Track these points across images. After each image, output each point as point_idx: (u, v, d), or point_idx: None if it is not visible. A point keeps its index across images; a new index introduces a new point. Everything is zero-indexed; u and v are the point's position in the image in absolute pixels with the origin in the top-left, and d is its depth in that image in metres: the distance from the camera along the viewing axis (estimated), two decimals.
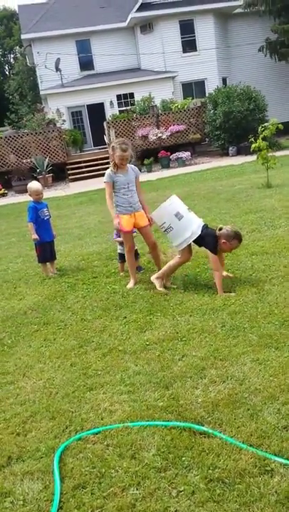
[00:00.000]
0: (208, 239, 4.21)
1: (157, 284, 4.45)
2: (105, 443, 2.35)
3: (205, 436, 2.28)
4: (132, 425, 2.44)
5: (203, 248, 4.33)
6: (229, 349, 3.13)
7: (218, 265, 4.20)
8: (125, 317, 3.97)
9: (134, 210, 4.68)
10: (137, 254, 5.13)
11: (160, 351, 3.25)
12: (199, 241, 4.28)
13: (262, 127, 9.61)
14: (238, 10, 23.72)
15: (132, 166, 4.78)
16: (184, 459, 2.15)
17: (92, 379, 3.01)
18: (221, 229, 4.22)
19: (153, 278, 4.52)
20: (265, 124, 9.83)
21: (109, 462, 2.20)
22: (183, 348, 3.24)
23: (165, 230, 4.37)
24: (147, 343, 3.41)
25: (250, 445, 2.18)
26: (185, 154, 19.01)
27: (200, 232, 4.23)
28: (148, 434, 2.36)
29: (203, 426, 2.36)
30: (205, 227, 4.30)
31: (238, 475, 2.01)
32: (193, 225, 4.26)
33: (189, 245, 4.35)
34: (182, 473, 2.08)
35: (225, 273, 4.39)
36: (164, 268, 4.50)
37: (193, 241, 4.29)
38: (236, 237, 4.23)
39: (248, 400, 2.53)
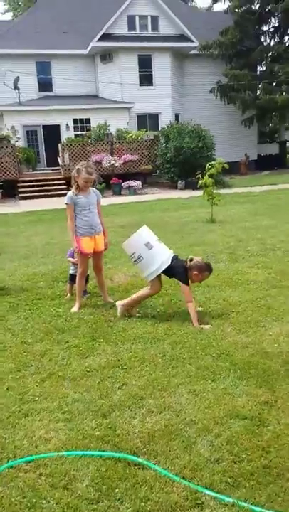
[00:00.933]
0: (178, 270, 4.25)
1: (119, 310, 4.43)
2: (38, 472, 2.29)
3: (139, 468, 2.29)
4: (66, 454, 2.41)
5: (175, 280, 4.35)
6: (168, 379, 3.18)
7: (191, 297, 4.23)
8: (67, 342, 3.93)
9: (95, 233, 4.73)
10: (87, 279, 5.12)
11: (100, 379, 3.24)
12: (169, 272, 4.30)
13: (209, 165, 10.05)
14: (194, 51, 25.00)
15: (94, 189, 4.86)
16: (117, 490, 2.15)
17: (28, 405, 2.94)
18: (191, 260, 4.27)
19: (118, 303, 4.49)
20: (212, 162, 10.29)
21: (41, 492, 2.15)
22: (123, 377, 3.25)
23: (135, 261, 4.36)
24: (88, 369, 3.39)
25: (183, 478, 2.21)
26: (136, 183, 19.40)
27: (170, 263, 4.26)
28: (82, 464, 2.33)
29: (138, 457, 2.37)
30: (175, 258, 4.35)
31: (170, 508, 2.03)
32: (163, 256, 4.29)
33: (160, 277, 4.36)
34: (114, 505, 2.06)
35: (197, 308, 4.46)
36: (133, 297, 4.46)
37: (164, 272, 4.30)
38: (208, 269, 4.33)
39: (183, 432, 2.57)
